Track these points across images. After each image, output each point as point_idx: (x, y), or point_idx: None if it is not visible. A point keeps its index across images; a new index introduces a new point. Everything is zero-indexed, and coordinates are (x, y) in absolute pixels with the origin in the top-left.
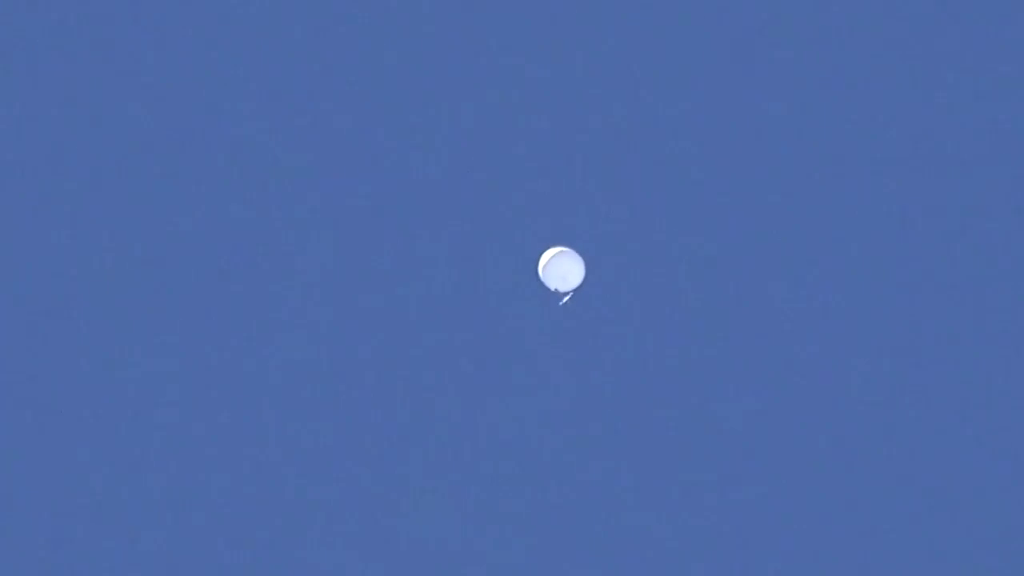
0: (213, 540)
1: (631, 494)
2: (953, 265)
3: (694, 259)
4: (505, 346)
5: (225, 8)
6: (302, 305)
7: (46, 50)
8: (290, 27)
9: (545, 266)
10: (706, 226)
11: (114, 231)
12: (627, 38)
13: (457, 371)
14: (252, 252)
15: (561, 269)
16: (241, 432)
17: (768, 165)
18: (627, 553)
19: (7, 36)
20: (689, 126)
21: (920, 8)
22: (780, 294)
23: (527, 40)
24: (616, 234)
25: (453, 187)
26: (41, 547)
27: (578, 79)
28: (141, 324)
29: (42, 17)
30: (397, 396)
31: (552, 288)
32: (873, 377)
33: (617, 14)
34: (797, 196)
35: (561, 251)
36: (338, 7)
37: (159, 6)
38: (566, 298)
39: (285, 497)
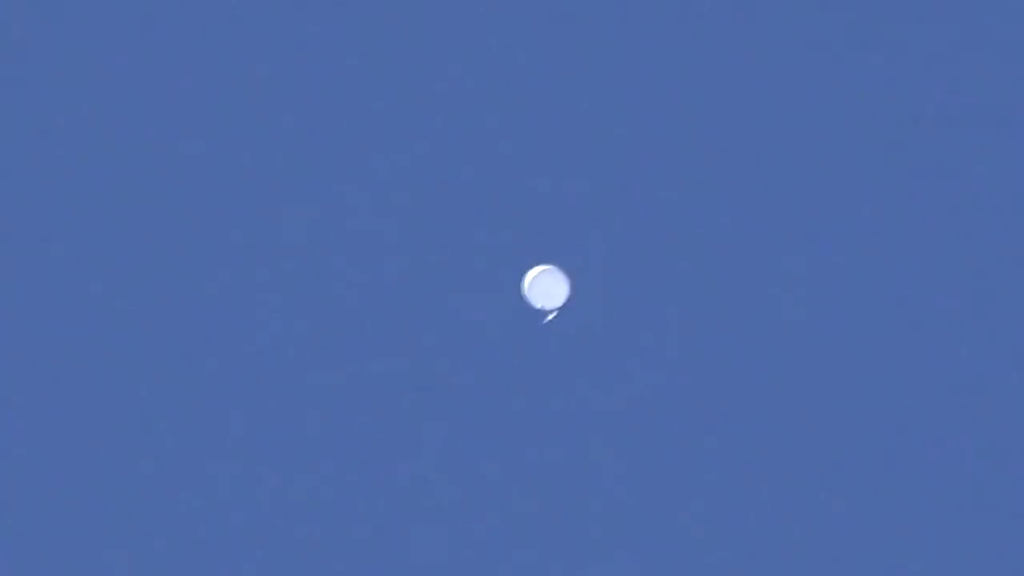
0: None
1: (628, 495)
2: (952, 265)
3: (683, 273)
4: (489, 363)
5: (223, 8)
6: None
7: (45, 50)
8: (286, 27)
9: (530, 284)
10: (694, 240)
11: (108, 228)
12: (614, 48)
13: (441, 386)
14: (245, 251)
15: (546, 287)
16: (236, 439)
17: (763, 170)
18: (625, 553)
19: (7, 36)
20: (677, 138)
21: (921, 8)
22: (774, 301)
23: (505, 53)
24: (601, 251)
25: (437, 201)
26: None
27: (563, 92)
28: (137, 321)
29: (41, 17)
30: (379, 412)
31: (537, 306)
32: (871, 377)
33: (613, 17)
34: (790, 200)
35: (545, 269)
36: (333, 8)
37: (159, 7)
38: (551, 316)
39: (282, 498)
